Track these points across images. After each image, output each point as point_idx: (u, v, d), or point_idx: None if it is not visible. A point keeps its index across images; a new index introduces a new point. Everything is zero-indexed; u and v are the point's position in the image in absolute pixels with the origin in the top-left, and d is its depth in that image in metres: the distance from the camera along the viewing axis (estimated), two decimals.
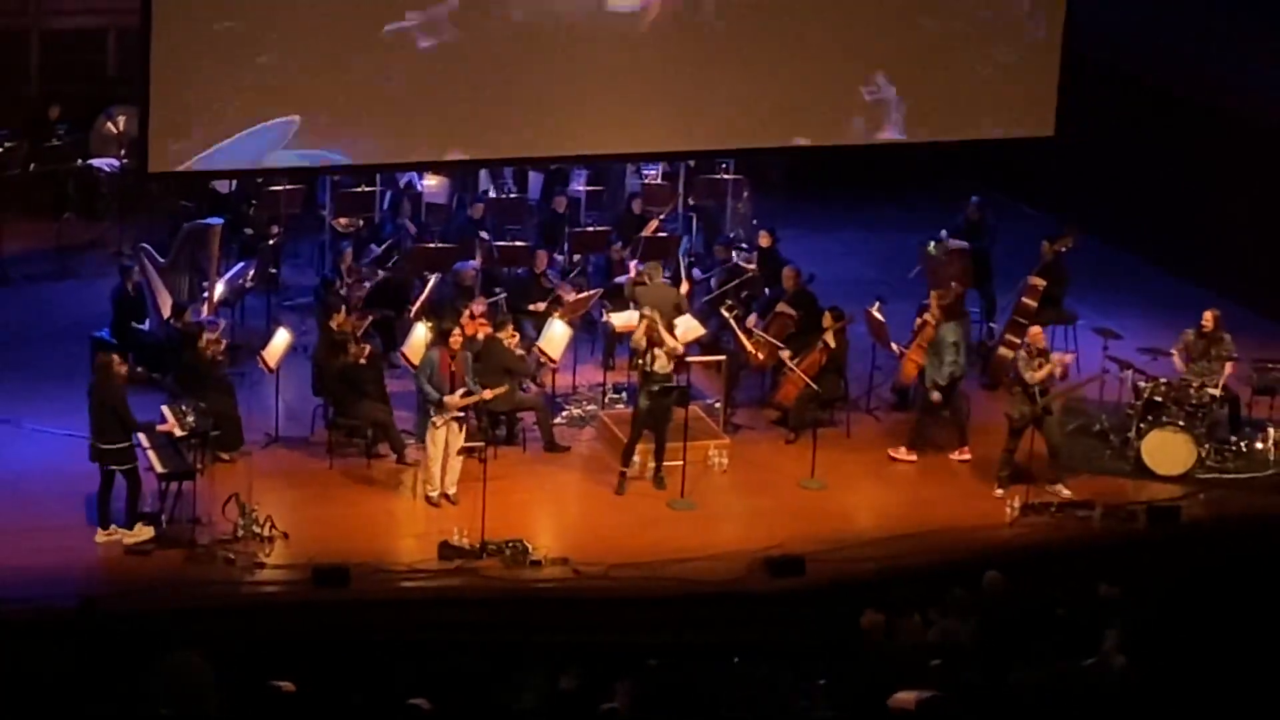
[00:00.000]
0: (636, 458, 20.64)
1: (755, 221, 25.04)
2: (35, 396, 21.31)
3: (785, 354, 21.59)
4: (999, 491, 20.64)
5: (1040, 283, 22.80)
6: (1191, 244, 25.90)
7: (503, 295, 22.52)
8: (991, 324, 23.48)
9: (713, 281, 23.46)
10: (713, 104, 23.39)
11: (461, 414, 20.02)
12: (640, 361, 20.36)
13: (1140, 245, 26.31)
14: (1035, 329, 21.12)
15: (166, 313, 21.98)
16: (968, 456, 21.17)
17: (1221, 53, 26.35)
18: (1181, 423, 21.18)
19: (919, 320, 22.10)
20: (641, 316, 20.55)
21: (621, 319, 22.09)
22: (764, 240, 23.46)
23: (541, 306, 22.30)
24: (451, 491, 20.02)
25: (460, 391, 19.81)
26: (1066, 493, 20.54)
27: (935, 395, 20.89)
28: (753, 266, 23.31)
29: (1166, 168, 26.36)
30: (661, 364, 20.25)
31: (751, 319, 22.32)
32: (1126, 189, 26.57)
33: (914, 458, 21.21)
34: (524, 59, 22.57)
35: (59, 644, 15.42)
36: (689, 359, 21.25)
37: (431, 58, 22.20)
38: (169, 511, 19.24)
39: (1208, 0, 26.94)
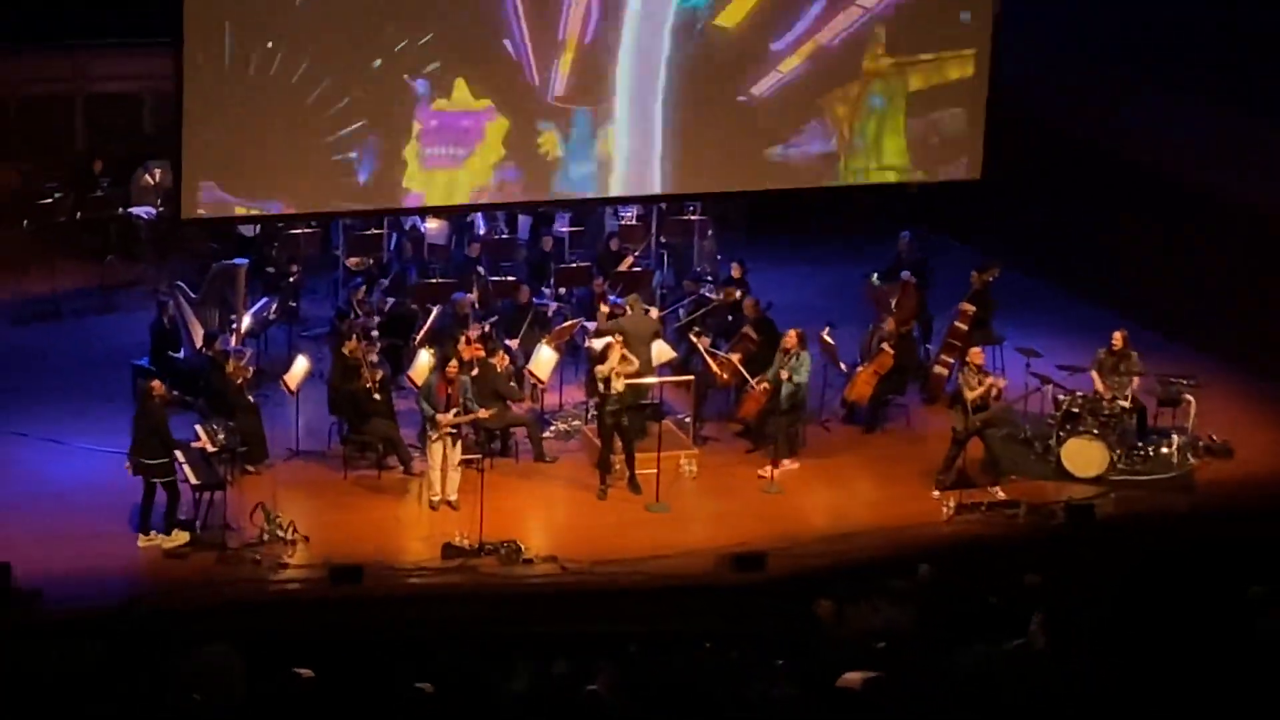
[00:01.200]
0: (615, 466, 20.60)
1: (720, 257, 25.05)
2: (83, 418, 21.26)
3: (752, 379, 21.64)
4: (936, 493, 20.60)
5: (970, 309, 22.83)
6: (1102, 274, 25.92)
7: (494, 321, 22.52)
8: (928, 345, 23.45)
9: (681, 311, 23.41)
10: (682, 154, 23.44)
11: (457, 430, 19.99)
12: (600, 385, 20.38)
13: (1057, 275, 26.32)
14: (976, 350, 21.15)
15: (199, 342, 21.94)
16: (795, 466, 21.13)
17: (1123, 108, 26.45)
18: (1096, 431, 21.18)
19: (876, 344, 22.15)
20: (609, 347, 20.51)
21: (601, 344, 22.03)
22: (735, 271, 23.42)
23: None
24: (453, 498, 19.98)
25: (453, 411, 19.84)
26: (1001, 495, 20.51)
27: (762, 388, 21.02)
28: (717, 297, 23.27)
29: (1078, 207, 26.41)
30: (618, 386, 20.25)
31: (707, 340, 22.30)
32: (1044, 226, 26.60)
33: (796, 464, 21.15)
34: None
35: (106, 637, 15.35)
36: (662, 379, 21.24)
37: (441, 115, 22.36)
38: (202, 519, 19.21)
39: (1112, 64, 27.03)
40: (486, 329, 21.82)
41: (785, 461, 21.00)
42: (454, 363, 20.06)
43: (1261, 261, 24.36)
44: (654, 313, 22.56)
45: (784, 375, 21.00)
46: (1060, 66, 27.08)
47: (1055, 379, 21.90)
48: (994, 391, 20.77)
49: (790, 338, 21.17)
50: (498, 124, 22.61)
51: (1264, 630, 14.55)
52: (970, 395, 20.51)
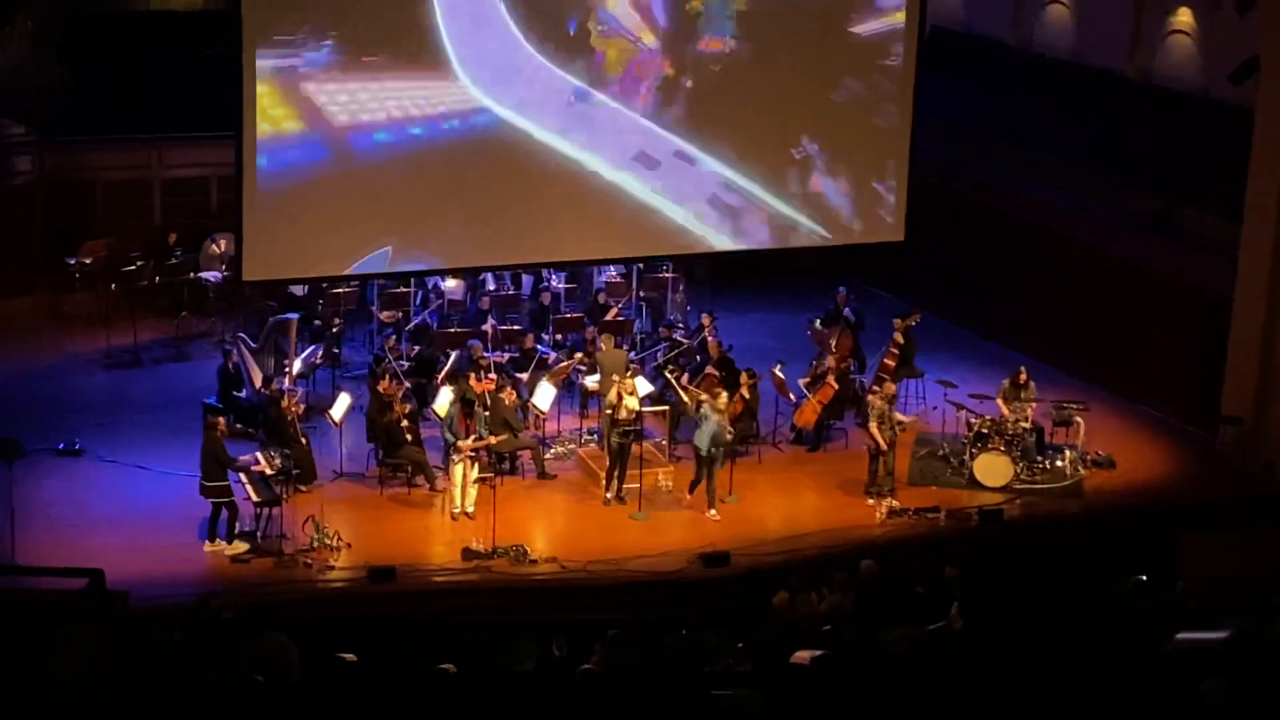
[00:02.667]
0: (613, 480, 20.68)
1: (689, 307, 25.07)
2: (162, 448, 21.24)
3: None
4: (870, 500, 20.62)
5: (896, 349, 22.86)
6: (1004, 318, 25.99)
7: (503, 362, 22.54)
8: (862, 379, 23.48)
9: (658, 352, 23.43)
10: (655, 223, 23.48)
11: (474, 454, 20.01)
12: (609, 412, 20.45)
13: (967, 320, 26.36)
14: (889, 385, 21.17)
15: (258, 384, 21.90)
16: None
17: (1017, 180, 26.58)
18: (1002, 448, 21.24)
19: (820, 378, 22.17)
20: (614, 384, 20.59)
21: (592, 381, 22.08)
22: (705, 319, 23.39)
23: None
24: (470, 511, 19.98)
25: (472, 438, 19.85)
26: (896, 504, 20.52)
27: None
28: (687, 342, 23.30)
29: (983, 262, 26.46)
30: (624, 414, 20.29)
31: (685, 378, 22.31)
32: (956, 278, 26.64)
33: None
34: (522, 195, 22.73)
35: (182, 628, 15.29)
36: (642, 409, 21.30)
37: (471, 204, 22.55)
38: (262, 530, 19.24)
39: (1008, 146, 27.17)
40: (496, 369, 21.87)
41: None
42: (476, 407, 20.28)
43: (1133, 305, 24.47)
44: (624, 348, 22.63)
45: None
46: (967, 148, 27.20)
47: (968, 405, 21.95)
48: (902, 418, 20.93)
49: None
50: None
51: (1139, 610, 14.59)
52: (881, 427, 20.58)
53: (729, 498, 20.68)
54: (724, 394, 20.62)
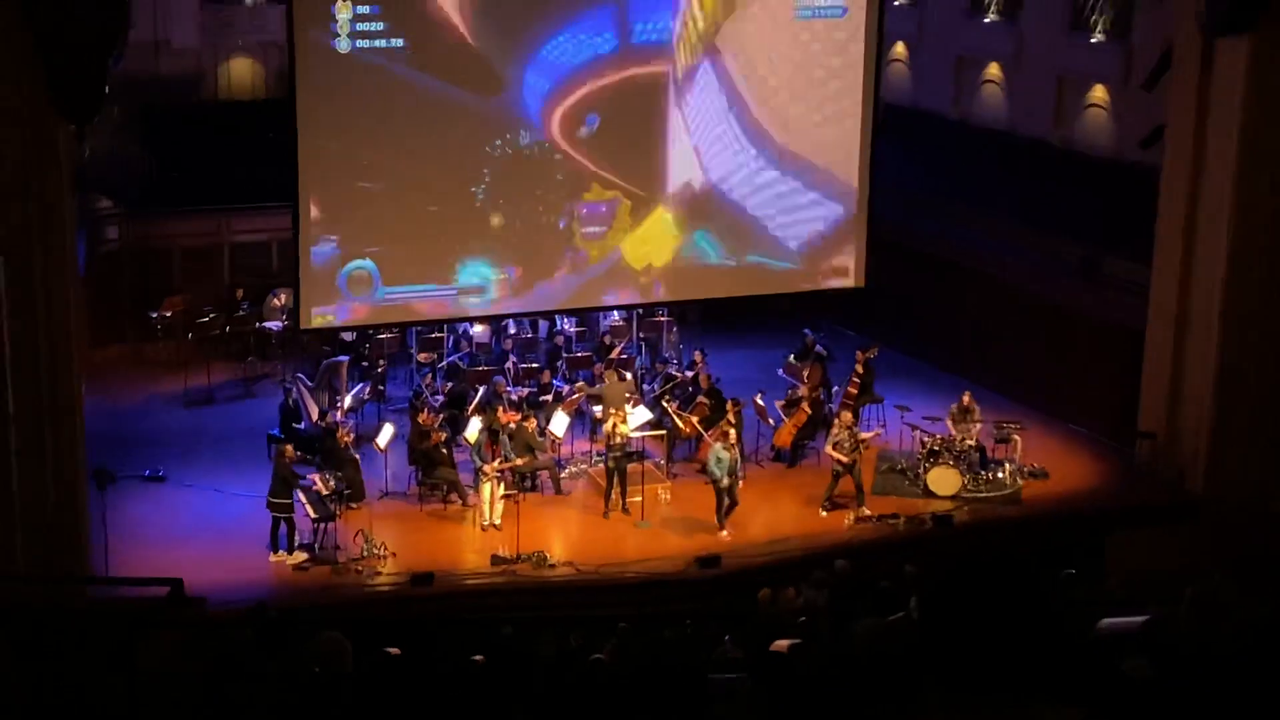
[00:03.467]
0: (613, 496, 20.58)
1: (682, 346, 25.03)
2: (233, 473, 21.25)
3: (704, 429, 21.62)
4: (823, 513, 20.58)
5: (857, 378, 22.81)
6: (952, 350, 25.95)
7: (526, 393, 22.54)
8: (831, 404, 23.42)
9: (655, 385, 23.41)
10: (653, 275, 23.47)
11: (500, 474, 19.98)
12: (606, 438, 20.53)
13: (921, 353, 26.28)
14: (846, 415, 21.07)
15: (315, 417, 21.89)
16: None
17: (963, 231, 26.54)
18: (951, 462, 21.21)
19: (795, 405, 22.12)
20: (609, 415, 20.63)
21: (598, 410, 22.05)
22: (697, 356, 23.34)
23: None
24: (498, 523, 19.92)
25: (496, 461, 19.88)
26: (867, 511, 20.46)
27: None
28: (680, 375, 23.26)
29: (933, 303, 26.45)
30: (618, 440, 20.33)
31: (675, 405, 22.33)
32: (910, 317, 26.62)
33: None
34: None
35: (252, 628, 15.25)
36: (644, 433, 21.26)
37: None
38: (319, 542, 19.23)
39: (955, 201, 27.18)
40: (517, 401, 21.86)
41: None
42: (500, 429, 20.38)
43: (1062, 339, 24.45)
44: (628, 378, 22.56)
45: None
46: (918, 207, 27.20)
47: (922, 426, 21.92)
48: (865, 438, 20.84)
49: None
50: None
51: (1071, 600, 14.55)
52: (842, 449, 20.50)
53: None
54: (733, 431, 20.46)
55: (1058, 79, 27.97)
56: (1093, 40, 27.40)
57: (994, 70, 29.56)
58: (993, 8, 29.55)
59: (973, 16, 29.87)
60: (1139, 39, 26.31)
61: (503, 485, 20.12)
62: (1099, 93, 27.36)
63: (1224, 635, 11.36)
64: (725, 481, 20.04)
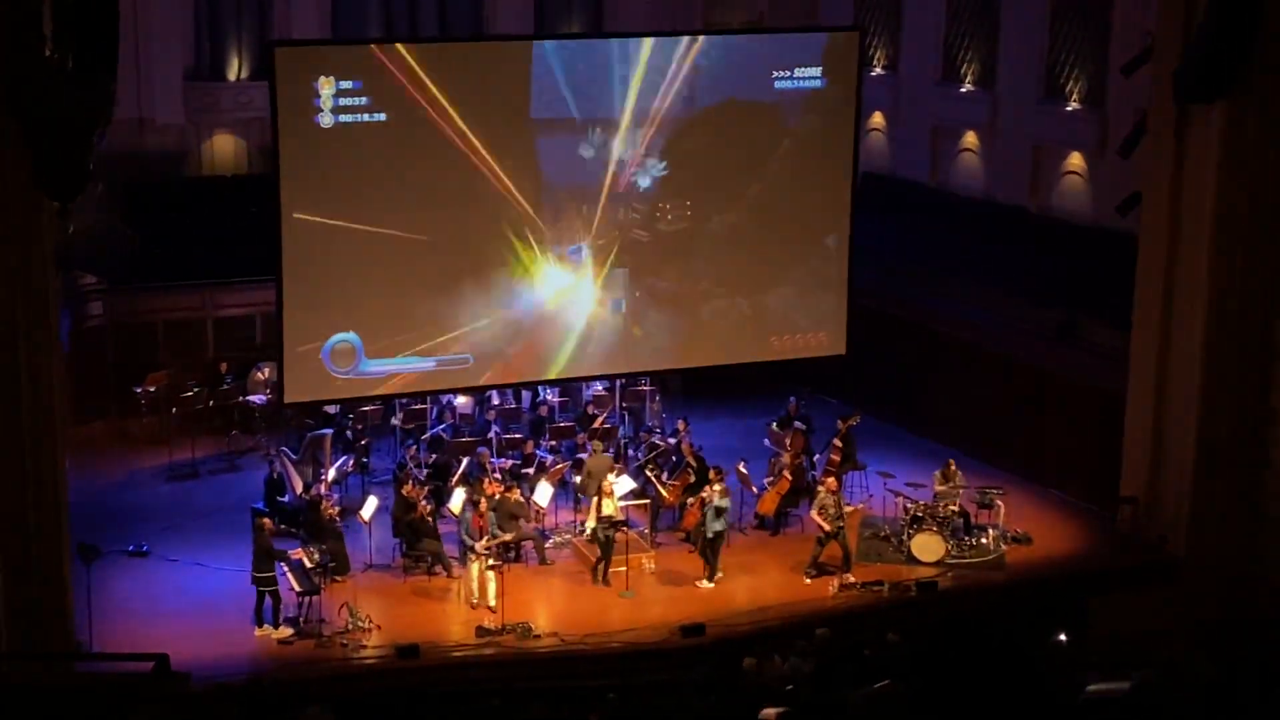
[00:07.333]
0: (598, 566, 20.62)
1: (665, 415, 25.10)
2: (218, 546, 21.21)
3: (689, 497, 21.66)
4: (807, 580, 20.59)
5: (839, 445, 22.89)
6: (934, 417, 26.06)
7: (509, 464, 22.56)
8: (814, 472, 23.48)
9: (639, 454, 23.46)
10: (634, 346, 23.57)
11: (488, 550, 19.98)
12: (597, 512, 20.57)
13: (903, 419, 26.40)
14: (831, 481, 21.13)
15: (299, 490, 21.91)
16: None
17: (942, 301, 26.73)
18: (935, 528, 21.25)
19: (778, 472, 22.20)
20: (600, 491, 20.71)
21: (579, 482, 22.09)
22: (681, 425, 23.43)
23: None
24: (492, 604, 19.61)
25: (485, 539, 19.89)
26: (852, 579, 20.47)
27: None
28: (664, 444, 23.32)
29: (915, 370, 26.57)
30: (607, 512, 20.39)
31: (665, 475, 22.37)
32: (892, 385, 26.74)
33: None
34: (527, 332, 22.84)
35: (238, 704, 15.22)
36: (628, 503, 21.28)
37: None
38: (304, 615, 19.16)
39: (933, 272, 27.38)
40: (502, 473, 21.88)
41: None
42: (484, 503, 20.27)
43: (1043, 403, 24.58)
44: (609, 455, 22.65)
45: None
46: (898, 274, 27.40)
47: (905, 492, 21.98)
48: (846, 508, 20.98)
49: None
50: None
51: (1058, 664, 14.57)
52: (827, 516, 20.57)
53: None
54: (720, 484, 20.60)
55: (1034, 147, 28.31)
56: (1068, 108, 27.76)
57: (970, 139, 29.91)
58: (968, 77, 29.92)
59: (948, 86, 30.23)
60: (1114, 107, 26.65)
61: (491, 558, 20.12)
62: (1075, 160, 27.69)
63: (1194, 702, 11.42)
64: (719, 534, 20.31)
